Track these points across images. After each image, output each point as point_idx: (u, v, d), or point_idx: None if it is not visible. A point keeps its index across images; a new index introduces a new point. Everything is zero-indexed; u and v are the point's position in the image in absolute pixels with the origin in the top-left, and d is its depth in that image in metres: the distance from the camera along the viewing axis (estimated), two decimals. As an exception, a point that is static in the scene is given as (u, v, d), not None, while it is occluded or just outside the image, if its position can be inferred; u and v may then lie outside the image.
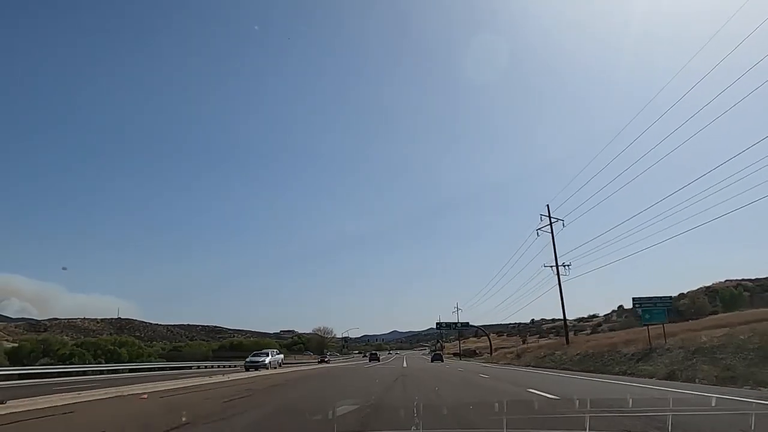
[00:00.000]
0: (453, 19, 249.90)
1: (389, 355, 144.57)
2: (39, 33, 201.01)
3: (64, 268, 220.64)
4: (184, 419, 8.76)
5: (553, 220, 43.32)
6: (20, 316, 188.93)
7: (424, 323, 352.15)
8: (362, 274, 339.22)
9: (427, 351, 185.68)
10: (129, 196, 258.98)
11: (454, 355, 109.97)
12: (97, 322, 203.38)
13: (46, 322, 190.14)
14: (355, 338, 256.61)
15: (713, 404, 9.55)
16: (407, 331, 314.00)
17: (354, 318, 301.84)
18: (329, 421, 8.27)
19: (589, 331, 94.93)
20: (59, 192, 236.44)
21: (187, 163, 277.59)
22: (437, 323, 76.41)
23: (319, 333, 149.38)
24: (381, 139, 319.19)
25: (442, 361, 71.14)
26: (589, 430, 6.88)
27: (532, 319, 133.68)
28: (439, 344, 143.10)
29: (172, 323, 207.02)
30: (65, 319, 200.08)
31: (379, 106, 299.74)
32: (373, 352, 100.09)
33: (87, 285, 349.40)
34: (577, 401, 10.19)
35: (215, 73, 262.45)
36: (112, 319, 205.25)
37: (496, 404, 8.99)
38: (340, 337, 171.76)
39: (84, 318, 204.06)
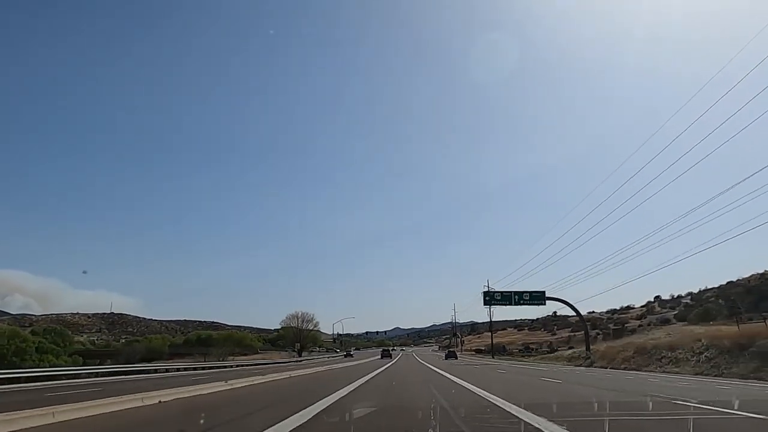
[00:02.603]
0: (470, 19, 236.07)
1: (393, 351, 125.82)
2: (49, 32, 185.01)
3: (84, 272, 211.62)
4: None
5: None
6: (22, 312, 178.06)
7: (426, 320, 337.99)
8: (365, 272, 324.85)
9: (437, 348, 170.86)
10: (133, 194, 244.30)
11: (477, 352, 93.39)
12: (89, 318, 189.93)
13: (33, 317, 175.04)
14: (357, 335, 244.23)
15: None
16: (410, 327, 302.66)
17: (357, 315, 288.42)
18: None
19: (637, 325, 79.02)
20: (64, 190, 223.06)
21: (188, 161, 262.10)
22: (485, 292, 47.85)
23: (296, 322, 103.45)
24: (377, 138, 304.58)
25: (456, 358, 63.55)
26: None
27: (555, 312, 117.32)
28: (457, 339, 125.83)
29: (169, 319, 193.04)
30: (54, 314, 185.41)
31: (395, 104, 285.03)
32: (385, 348, 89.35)
33: (92, 282, 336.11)
34: None
35: (226, 73, 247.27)
36: (104, 314, 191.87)
37: None
38: (335, 332, 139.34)
39: (74, 313, 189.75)
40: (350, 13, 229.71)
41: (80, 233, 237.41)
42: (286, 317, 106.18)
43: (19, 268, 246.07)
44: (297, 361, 62.46)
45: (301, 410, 9.23)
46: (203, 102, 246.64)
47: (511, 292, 46.46)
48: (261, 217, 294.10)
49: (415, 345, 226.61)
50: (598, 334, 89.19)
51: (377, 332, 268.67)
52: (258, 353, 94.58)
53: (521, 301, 45.15)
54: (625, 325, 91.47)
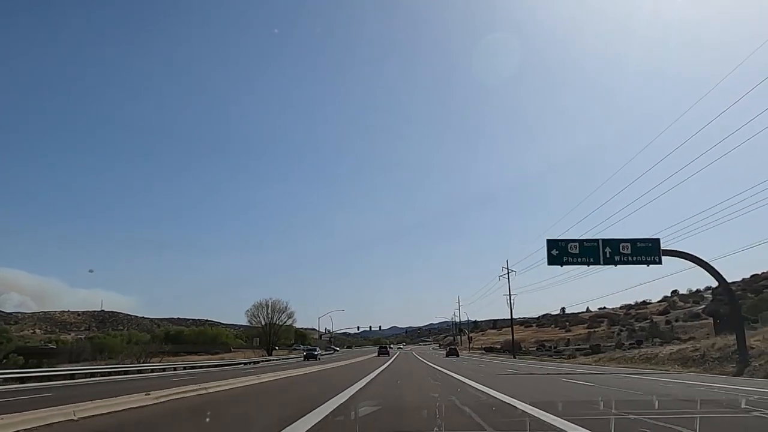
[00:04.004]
0: (469, 19, 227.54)
1: (390, 349, 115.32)
2: (45, 30, 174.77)
3: (90, 271, 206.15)
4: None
5: None
6: (17, 311, 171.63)
7: (424, 319, 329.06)
8: (361, 271, 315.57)
9: (437, 346, 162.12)
10: (132, 193, 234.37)
11: (488, 350, 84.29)
12: (78, 315, 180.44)
13: (19, 315, 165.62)
14: (353, 333, 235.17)
15: None
16: (407, 326, 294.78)
17: (354, 315, 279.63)
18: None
19: (678, 321, 70.11)
20: (63, 189, 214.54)
21: (186, 159, 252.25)
22: (550, 241, 25.81)
23: (263, 313, 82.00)
24: (375, 137, 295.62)
25: (458, 356, 60.34)
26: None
27: (563, 308, 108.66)
28: (463, 335, 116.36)
29: (162, 317, 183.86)
30: (42, 312, 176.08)
31: (395, 104, 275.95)
32: (382, 346, 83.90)
33: (91, 281, 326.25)
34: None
35: (231, 70, 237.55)
36: (94, 311, 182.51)
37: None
38: (323, 328, 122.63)
39: (63, 311, 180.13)
40: (349, 12, 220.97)
41: (78, 232, 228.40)
42: (252, 306, 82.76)
43: (16, 267, 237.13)
44: (249, 364, 46.34)
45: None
46: (200, 101, 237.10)
47: (597, 240, 24.45)
48: (257, 217, 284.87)
49: (413, 343, 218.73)
50: (621, 330, 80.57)
51: (370, 327, 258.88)
52: (231, 351, 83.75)
53: (617, 257, 23.30)
54: (646, 320, 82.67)
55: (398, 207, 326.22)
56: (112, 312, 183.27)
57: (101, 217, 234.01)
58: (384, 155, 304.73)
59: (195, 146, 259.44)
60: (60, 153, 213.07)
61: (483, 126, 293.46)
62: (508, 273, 60.76)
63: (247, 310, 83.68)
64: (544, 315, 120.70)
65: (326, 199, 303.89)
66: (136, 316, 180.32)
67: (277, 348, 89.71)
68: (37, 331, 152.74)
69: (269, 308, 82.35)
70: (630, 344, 58.36)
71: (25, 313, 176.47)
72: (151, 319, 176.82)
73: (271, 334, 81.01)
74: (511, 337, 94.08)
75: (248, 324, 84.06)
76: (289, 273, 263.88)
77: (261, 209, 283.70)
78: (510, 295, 60.80)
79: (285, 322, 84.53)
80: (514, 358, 54.66)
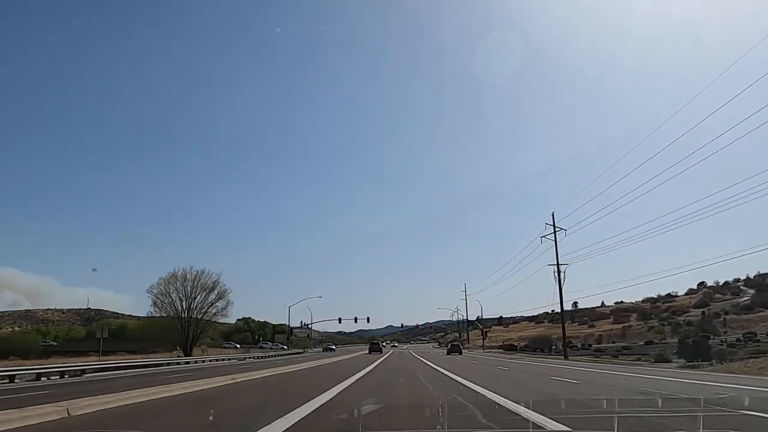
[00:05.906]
0: (469, 18, 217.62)
1: (384, 346, 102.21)
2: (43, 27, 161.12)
3: (94, 269, 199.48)
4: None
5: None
6: (10, 309, 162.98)
7: (420, 318, 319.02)
8: (356, 270, 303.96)
9: (435, 344, 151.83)
10: (130, 192, 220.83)
11: (507, 348, 73.62)
12: (63, 313, 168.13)
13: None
14: (350, 332, 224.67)
15: None
16: (402, 325, 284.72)
17: (351, 313, 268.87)
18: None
19: (728, 315, 60.09)
20: (60, 188, 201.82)
21: (183, 159, 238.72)
22: None
23: (176, 286, 53.28)
24: (372, 135, 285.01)
25: (460, 353, 56.75)
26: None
27: (575, 303, 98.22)
28: (480, 329, 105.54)
29: (153, 315, 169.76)
30: (24, 310, 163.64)
31: (392, 102, 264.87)
32: (374, 342, 77.80)
33: (87, 280, 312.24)
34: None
35: (225, 70, 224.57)
36: (80, 309, 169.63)
37: None
38: (300, 322, 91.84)
39: (47, 309, 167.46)
40: (349, 12, 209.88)
41: (76, 231, 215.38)
42: (161, 280, 52.98)
43: (12, 266, 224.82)
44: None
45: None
46: (198, 101, 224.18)
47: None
48: (256, 217, 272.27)
49: (408, 342, 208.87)
50: (665, 324, 70.28)
51: (371, 331, 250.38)
52: (176, 349, 63.28)
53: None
54: (685, 313, 72.60)
55: (395, 206, 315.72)
56: (98, 310, 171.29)
57: (100, 216, 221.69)
58: (383, 155, 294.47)
59: (194, 146, 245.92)
60: (60, 153, 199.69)
61: (483, 125, 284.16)
62: (554, 231, 43.63)
63: (151, 286, 53.13)
64: (551, 312, 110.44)
65: (324, 199, 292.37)
66: (123, 314, 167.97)
67: (230, 346, 72.57)
68: (16, 329, 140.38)
69: (189, 283, 51.11)
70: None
71: (8, 311, 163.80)
72: (139, 317, 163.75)
73: (190, 324, 51.27)
74: (521, 334, 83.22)
75: (153, 309, 56.15)
76: (287, 272, 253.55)
77: (260, 209, 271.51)
78: (558, 264, 43.68)
79: (213, 305, 53.74)
80: (566, 359, 43.88)
